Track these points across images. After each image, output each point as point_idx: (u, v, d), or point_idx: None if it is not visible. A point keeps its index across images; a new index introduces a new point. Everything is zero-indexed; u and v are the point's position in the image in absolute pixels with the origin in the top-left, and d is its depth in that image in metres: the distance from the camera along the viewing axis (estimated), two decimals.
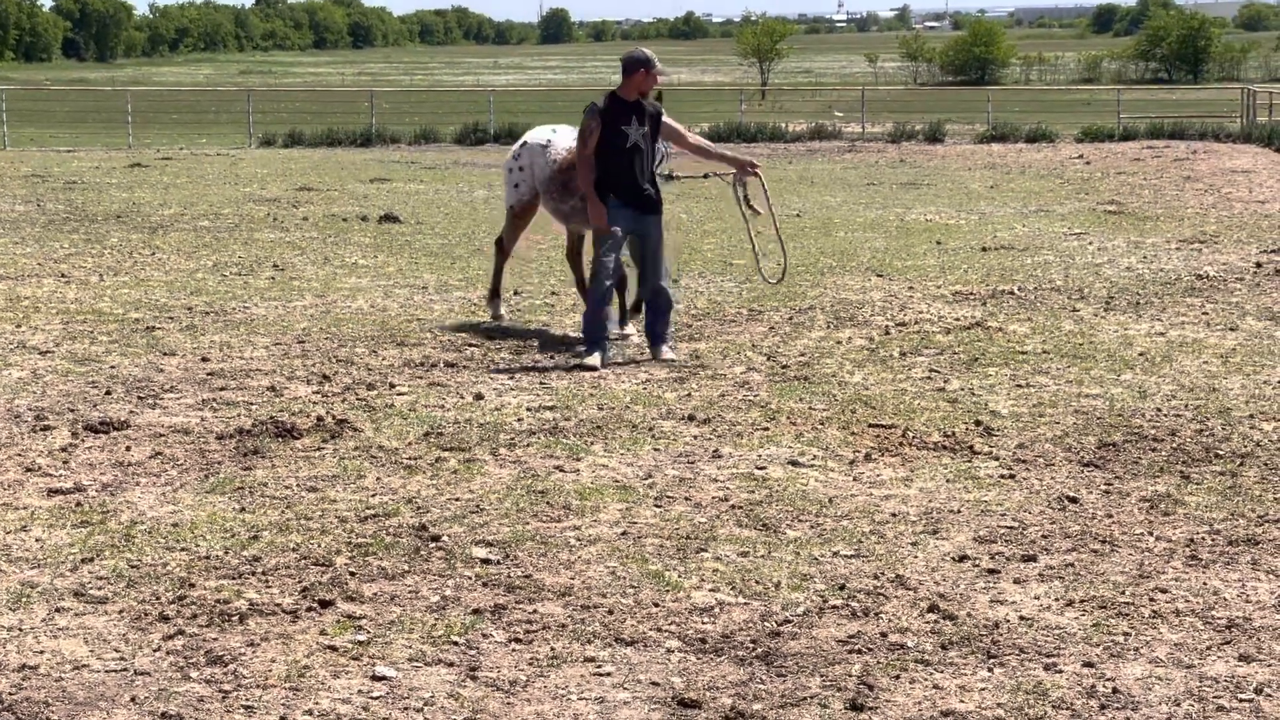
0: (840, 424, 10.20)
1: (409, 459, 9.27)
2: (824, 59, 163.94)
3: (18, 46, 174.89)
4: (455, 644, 6.27)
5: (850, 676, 5.98)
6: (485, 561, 7.31)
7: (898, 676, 6.00)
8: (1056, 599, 6.92)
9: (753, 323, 14.39)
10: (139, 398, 10.97)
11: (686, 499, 8.44)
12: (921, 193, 29.74)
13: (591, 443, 9.71)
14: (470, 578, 7.08)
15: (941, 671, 6.07)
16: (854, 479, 8.90)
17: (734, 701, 5.73)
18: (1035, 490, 8.70)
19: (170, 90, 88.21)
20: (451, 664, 6.07)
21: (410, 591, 6.89)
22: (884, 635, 6.42)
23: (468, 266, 18.29)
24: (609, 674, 5.99)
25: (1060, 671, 6.08)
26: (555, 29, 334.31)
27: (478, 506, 8.25)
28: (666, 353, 12.56)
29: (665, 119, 12.82)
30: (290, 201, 26.41)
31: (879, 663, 6.13)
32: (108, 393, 11.11)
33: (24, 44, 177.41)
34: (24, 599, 6.73)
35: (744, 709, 5.68)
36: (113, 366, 12.13)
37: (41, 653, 6.12)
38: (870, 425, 10.16)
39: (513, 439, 9.81)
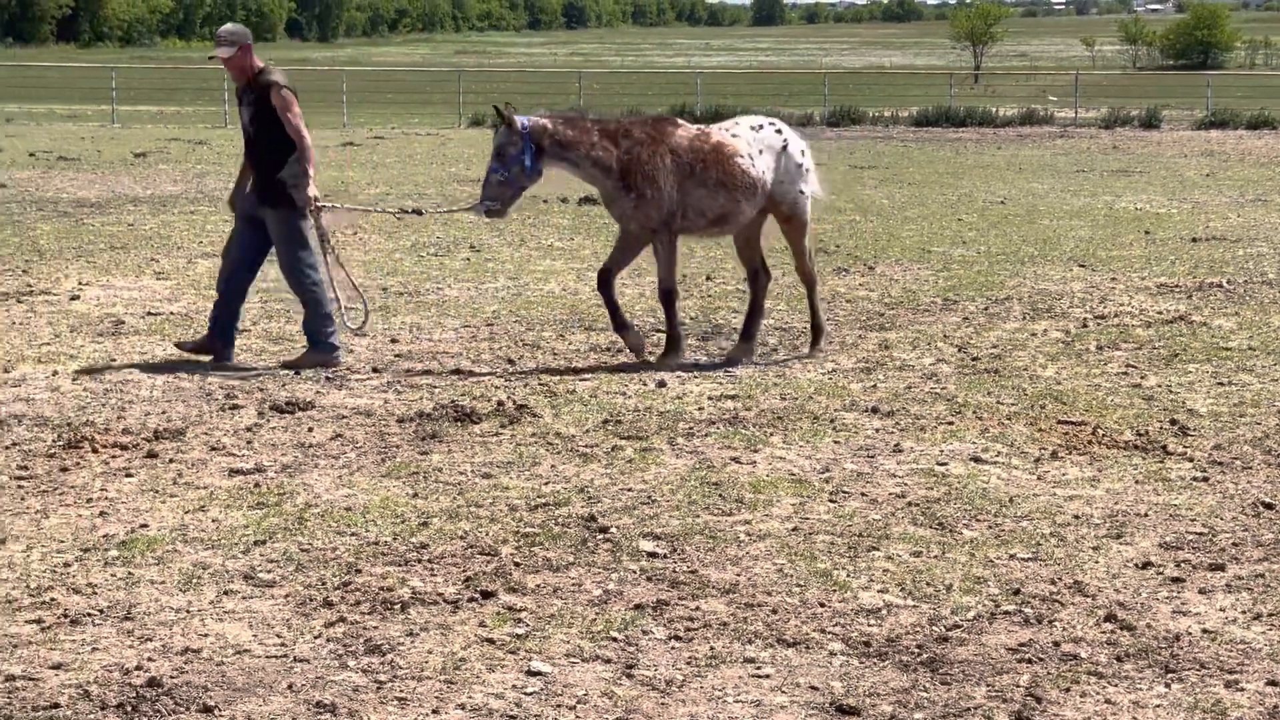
0: (1028, 420, 9.94)
1: (585, 446, 9.22)
2: (1039, 42, 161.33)
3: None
4: (614, 640, 6.18)
5: (1018, 687, 5.77)
6: (652, 555, 7.21)
7: (1068, 689, 5.79)
8: (1243, 611, 6.63)
9: (947, 312, 14.13)
10: (326, 378, 11.07)
11: (862, 495, 8.26)
12: (1133, 180, 29.05)
13: (771, 434, 9.57)
14: (635, 571, 6.99)
15: (1115, 685, 5.84)
16: (1038, 478, 8.65)
17: (894, 710, 5.57)
18: (1229, 495, 8.37)
19: (386, 70, 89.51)
20: (608, 661, 5.98)
21: (573, 584, 6.82)
22: (1056, 645, 6.20)
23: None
24: (768, 676, 5.86)
25: (1242, 690, 5.81)
26: (768, 11, 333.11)
27: (649, 497, 8.16)
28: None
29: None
30: None
31: (1049, 674, 5.92)
32: (296, 372, 11.23)
33: (250, 24, 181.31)
34: (195, 580, 6.79)
35: (904, 718, 5.51)
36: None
37: (206, 636, 6.16)
38: (1059, 422, 9.88)
39: (691, 428, 9.71)
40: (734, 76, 78.22)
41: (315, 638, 6.17)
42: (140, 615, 6.37)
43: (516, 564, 7.05)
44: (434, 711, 5.50)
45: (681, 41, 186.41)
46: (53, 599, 6.54)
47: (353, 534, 7.47)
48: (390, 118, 49.72)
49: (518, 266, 16.69)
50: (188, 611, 6.43)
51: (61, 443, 9.08)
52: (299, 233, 11.61)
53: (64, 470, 8.56)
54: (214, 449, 9.10)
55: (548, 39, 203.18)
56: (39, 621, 6.28)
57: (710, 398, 10.57)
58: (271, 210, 11.62)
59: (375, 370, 11.42)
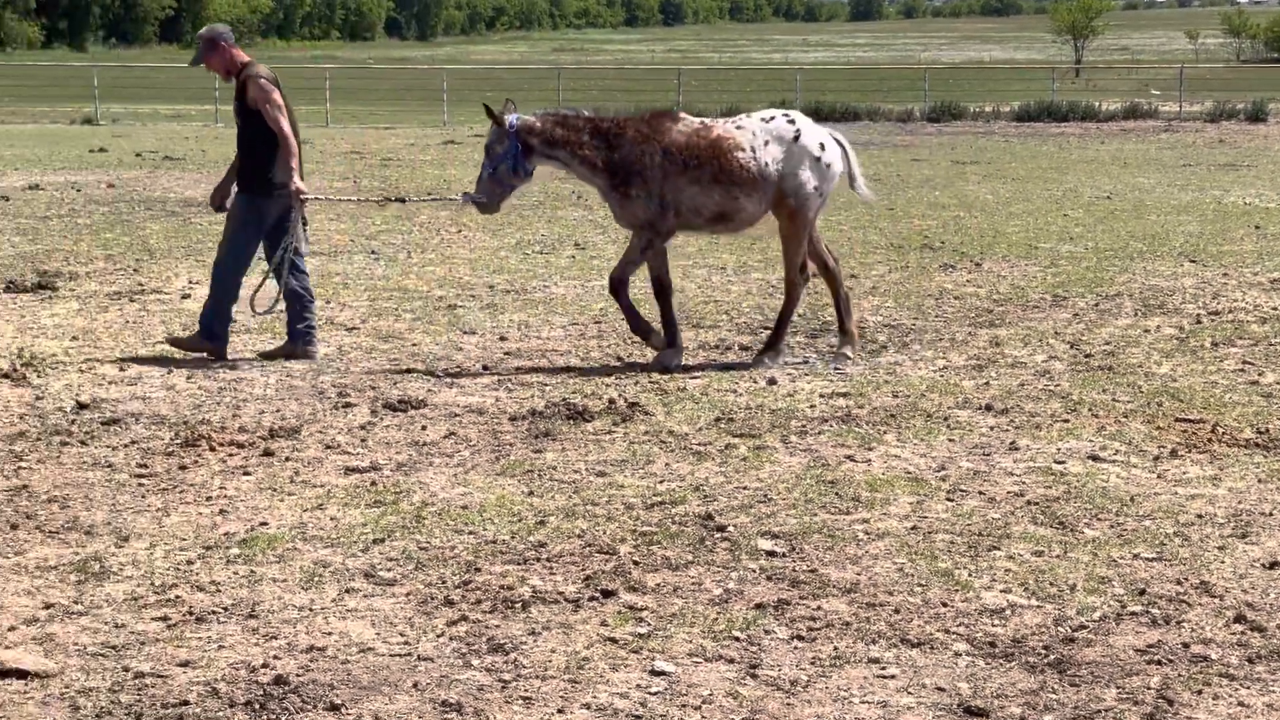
0: (1145, 417, 9.81)
1: (699, 445, 9.19)
2: (1141, 35, 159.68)
3: (344, 26, 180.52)
4: (736, 640, 6.15)
5: (1149, 689, 5.69)
6: (770, 554, 7.17)
7: (1200, 691, 5.69)
8: None
9: (1056, 309, 13.99)
10: (435, 375, 11.11)
11: (980, 493, 8.18)
12: (1241, 174, 28.66)
13: (884, 432, 9.50)
14: (754, 570, 6.96)
15: (1248, 687, 5.74)
16: (1158, 476, 8.53)
17: (1023, 712, 5.50)
18: None
19: (485, 68, 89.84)
20: (732, 660, 5.95)
21: (693, 583, 6.79)
22: (1186, 646, 6.11)
23: (767, 248, 18.13)
24: (893, 676, 5.80)
25: None
26: (866, 6, 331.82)
27: (765, 496, 8.12)
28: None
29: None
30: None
31: (1180, 675, 5.83)
32: (408, 371, 11.28)
33: (349, 24, 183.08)
34: (316, 578, 6.83)
35: None
36: (414, 344, 12.32)
37: (330, 634, 6.19)
38: (1177, 419, 9.75)
39: (804, 426, 9.66)
40: (832, 73, 77.91)
41: (438, 636, 6.17)
42: (264, 613, 6.40)
43: (635, 563, 7.03)
44: (559, 711, 5.49)
45: (779, 38, 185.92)
46: (177, 596, 6.59)
47: (470, 532, 7.49)
48: None
49: None
50: (310, 609, 6.46)
51: (179, 441, 9.16)
52: (253, 227, 11.72)
53: (182, 468, 8.64)
54: (329, 447, 9.15)
55: (644, 36, 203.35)
56: (165, 619, 6.33)
57: (821, 395, 10.52)
58: (244, 196, 11.77)
59: (485, 368, 11.45)
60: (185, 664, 5.87)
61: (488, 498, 8.06)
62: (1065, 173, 29.37)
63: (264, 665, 5.85)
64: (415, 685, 5.70)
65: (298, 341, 11.76)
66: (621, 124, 11.55)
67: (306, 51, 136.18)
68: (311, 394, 10.52)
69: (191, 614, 6.39)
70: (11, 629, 6.21)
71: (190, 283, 15.22)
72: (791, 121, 11.56)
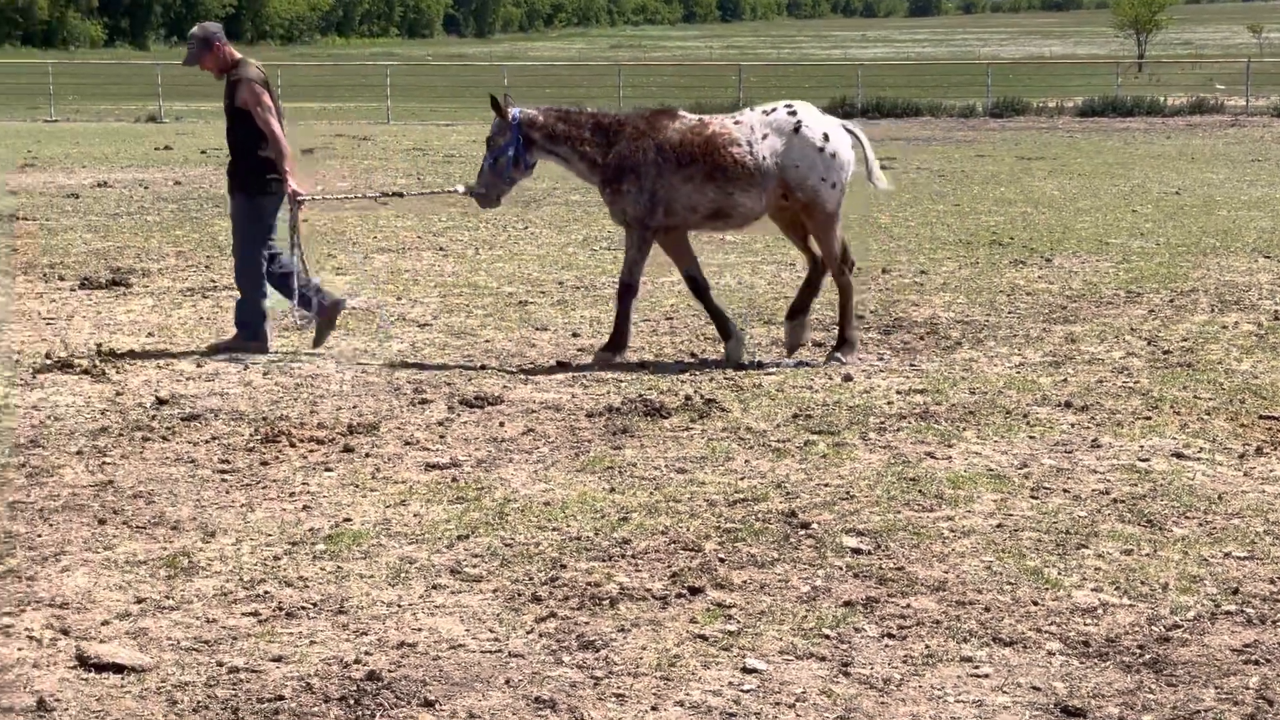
0: (1228, 415, 9.72)
1: (777, 441, 9.16)
2: (1205, 30, 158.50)
3: (402, 23, 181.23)
4: (826, 637, 6.12)
5: (1248, 690, 5.63)
6: (856, 551, 7.14)
7: None
8: None
9: (1131, 305, 13.88)
10: (510, 372, 11.12)
11: (1065, 491, 8.12)
12: None
13: (964, 429, 9.45)
14: (841, 568, 6.92)
15: None
16: (1244, 474, 8.45)
17: (1121, 712, 5.45)
18: None
19: (545, 64, 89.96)
20: (823, 658, 5.92)
21: (780, 580, 6.77)
22: None
23: None
24: (987, 675, 5.76)
25: None
26: (924, 2, 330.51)
27: (847, 493, 8.08)
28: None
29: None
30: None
31: (1279, 675, 5.76)
32: (482, 367, 11.29)
33: (408, 21, 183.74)
34: (403, 575, 6.83)
35: None
36: (487, 340, 12.33)
37: (419, 630, 6.19)
38: (1261, 417, 9.65)
39: (882, 422, 9.62)
40: (893, 69, 77.66)
41: (528, 633, 6.17)
42: (353, 609, 6.41)
43: (721, 560, 7.01)
44: (653, 709, 5.48)
45: (837, 34, 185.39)
46: (266, 592, 6.61)
47: (554, 529, 7.48)
48: None
49: None
50: (399, 605, 6.46)
51: (259, 437, 9.19)
52: (257, 224, 11.93)
53: (264, 464, 8.67)
54: (408, 443, 9.17)
55: (702, 32, 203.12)
56: (255, 614, 6.35)
57: (899, 392, 10.47)
58: (236, 195, 12.01)
59: (560, 364, 11.45)
60: (278, 659, 5.88)
61: (569, 494, 8.05)
62: (1131, 168, 29.16)
63: (356, 661, 5.86)
64: (507, 682, 5.69)
65: (314, 307, 11.88)
66: (621, 121, 11.56)
67: (366, 50, 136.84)
68: (388, 390, 10.54)
69: (281, 609, 6.40)
70: (105, 623, 6.24)
71: None
72: (793, 113, 11.40)
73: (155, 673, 5.74)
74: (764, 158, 11.23)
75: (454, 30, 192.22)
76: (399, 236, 18.52)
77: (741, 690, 5.63)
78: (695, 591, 6.60)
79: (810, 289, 11.83)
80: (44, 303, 14.02)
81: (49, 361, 11.18)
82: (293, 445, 9.02)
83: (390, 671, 5.76)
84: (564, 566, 6.93)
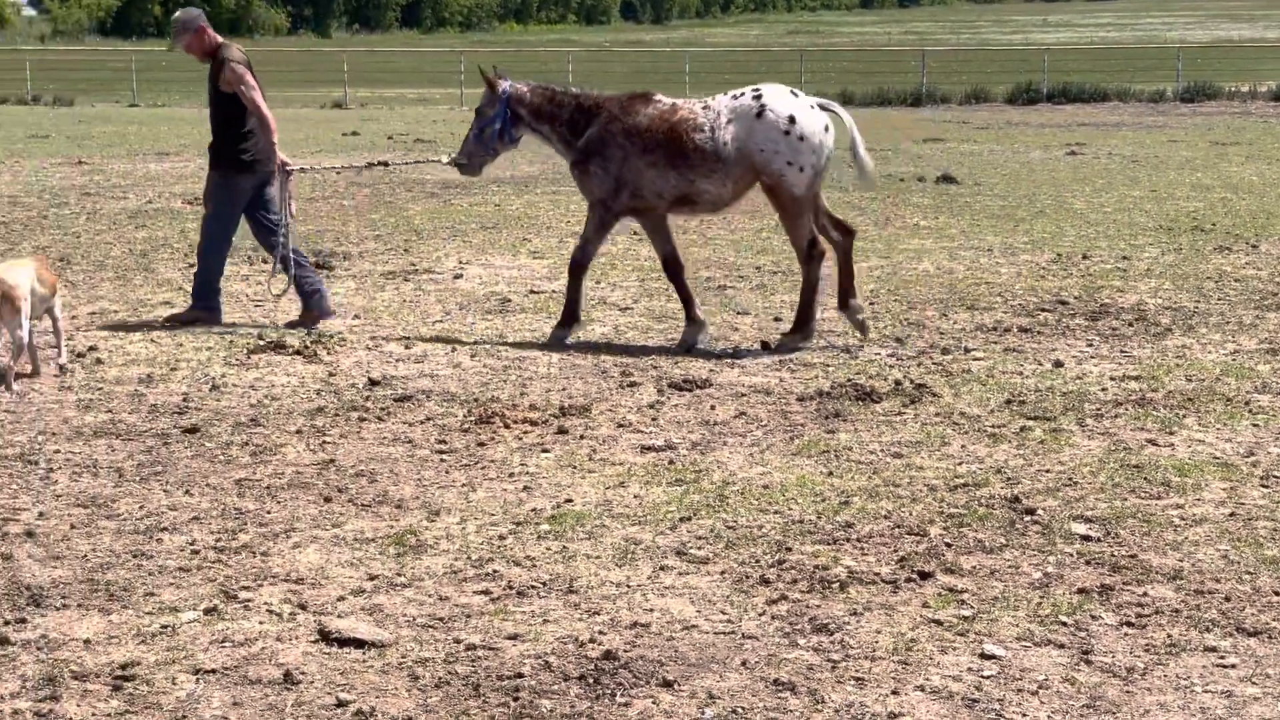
0: None
1: (993, 427, 9.05)
2: None
3: (579, 10, 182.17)
4: (1064, 624, 6.03)
5: None
6: (1085, 538, 7.02)
7: None
8: None
9: None
10: (715, 357, 11.10)
11: None
12: None
13: (1184, 416, 9.26)
14: (1071, 555, 6.82)
15: None
16: None
17: None
18: None
19: (725, 50, 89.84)
20: (1062, 645, 5.83)
21: (1010, 566, 6.68)
22: None
23: (1031, 229, 17.87)
24: (1233, 666, 5.64)
25: None
26: None
27: (1070, 479, 7.96)
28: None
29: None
30: (843, 161, 26.42)
31: None
32: (687, 350, 11.29)
33: (585, 7, 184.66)
34: (629, 555, 6.84)
35: None
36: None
37: (651, 610, 6.20)
38: None
39: (1099, 409, 9.46)
40: (1077, 53, 76.40)
41: (759, 615, 6.15)
42: (582, 589, 6.44)
43: (948, 544, 6.94)
44: (893, 693, 5.43)
45: (1018, 18, 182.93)
46: (495, 571, 6.66)
47: (775, 511, 7.45)
48: None
49: (887, 245, 16.54)
50: (628, 586, 6.47)
51: (473, 418, 9.27)
52: (229, 204, 12.26)
53: (481, 445, 8.74)
54: (621, 425, 9.19)
55: (880, 17, 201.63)
56: (487, 593, 6.40)
57: (1112, 378, 10.29)
58: (214, 172, 12.33)
59: (765, 346, 11.42)
60: (513, 637, 5.92)
61: (788, 477, 8.02)
62: None
63: (591, 640, 5.87)
64: (744, 663, 5.68)
65: (312, 303, 12.23)
66: (599, 104, 11.64)
67: (544, 36, 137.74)
68: (595, 373, 10.58)
69: (511, 588, 6.45)
70: (340, 599, 6.32)
71: (460, 263, 15.44)
72: (758, 97, 11.24)
73: (395, 648, 5.80)
74: (725, 143, 11.18)
75: (631, 17, 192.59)
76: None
77: (982, 676, 5.56)
78: (925, 576, 6.54)
79: (845, 273, 11.66)
80: (250, 285, 14.27)
81: (262, 343, 11.38)
82: (507, 426, 9.09)
83: (626, 651, 5.77)
84: (789, 549, 6.90)
